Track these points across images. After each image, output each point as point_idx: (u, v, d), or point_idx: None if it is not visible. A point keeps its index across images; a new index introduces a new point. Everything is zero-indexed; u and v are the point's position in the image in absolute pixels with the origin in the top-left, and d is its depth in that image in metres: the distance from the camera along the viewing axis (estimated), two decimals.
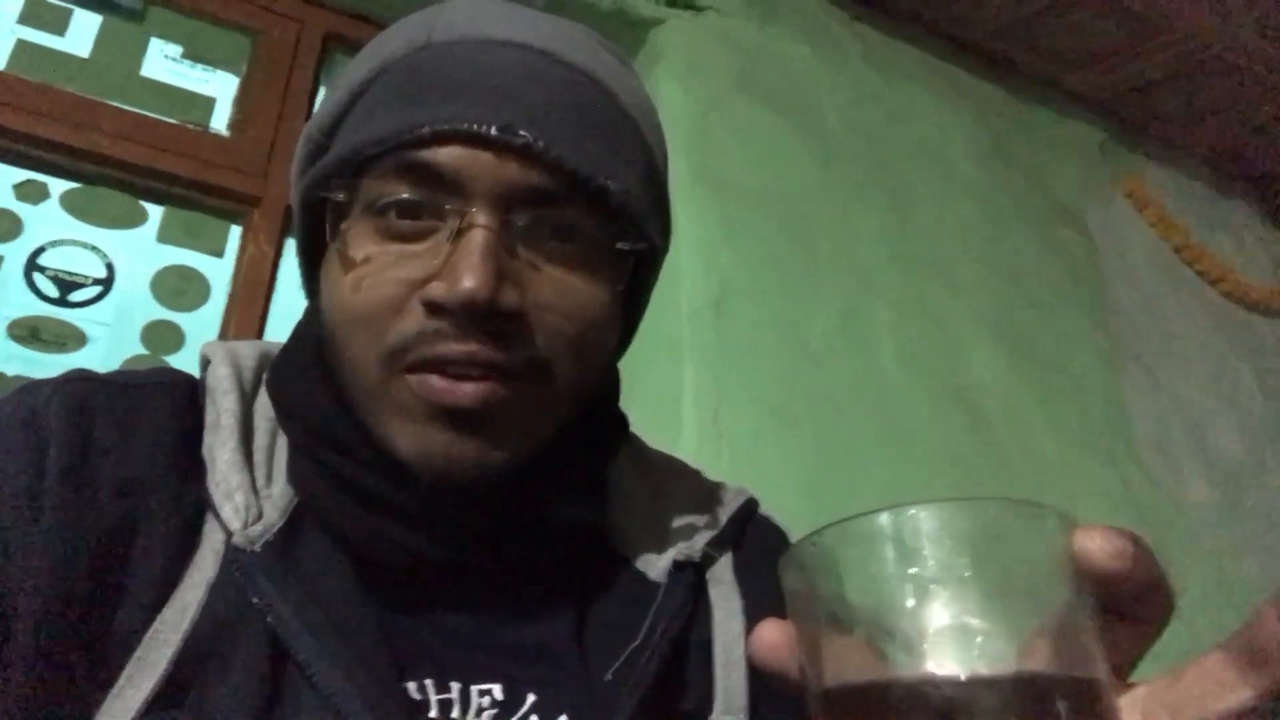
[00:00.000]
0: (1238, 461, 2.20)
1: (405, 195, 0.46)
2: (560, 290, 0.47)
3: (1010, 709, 0.23)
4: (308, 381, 0.51)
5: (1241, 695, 0.24)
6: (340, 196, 0.47)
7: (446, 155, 0.45)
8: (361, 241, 0.47)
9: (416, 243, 0.46)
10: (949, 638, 0.24)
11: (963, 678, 0.24)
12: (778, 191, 1.73)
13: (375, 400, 0.46)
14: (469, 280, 0.43)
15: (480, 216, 0.45)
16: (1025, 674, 0.24)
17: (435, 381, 0.45)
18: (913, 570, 0.25)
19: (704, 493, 0.62)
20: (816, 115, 1.88)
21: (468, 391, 0.45)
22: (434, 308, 0.44)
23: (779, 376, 1.55)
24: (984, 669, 0.24)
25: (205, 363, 0.53)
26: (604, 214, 0.48)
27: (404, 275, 0.45)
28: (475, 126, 0.44)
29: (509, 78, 0.47)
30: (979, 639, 0.24)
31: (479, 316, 0.44)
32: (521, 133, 0.45)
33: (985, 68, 2.24)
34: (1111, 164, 2.40)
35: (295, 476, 0.50)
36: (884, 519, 0.26)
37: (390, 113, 0.47)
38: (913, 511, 0.25)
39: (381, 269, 0.46)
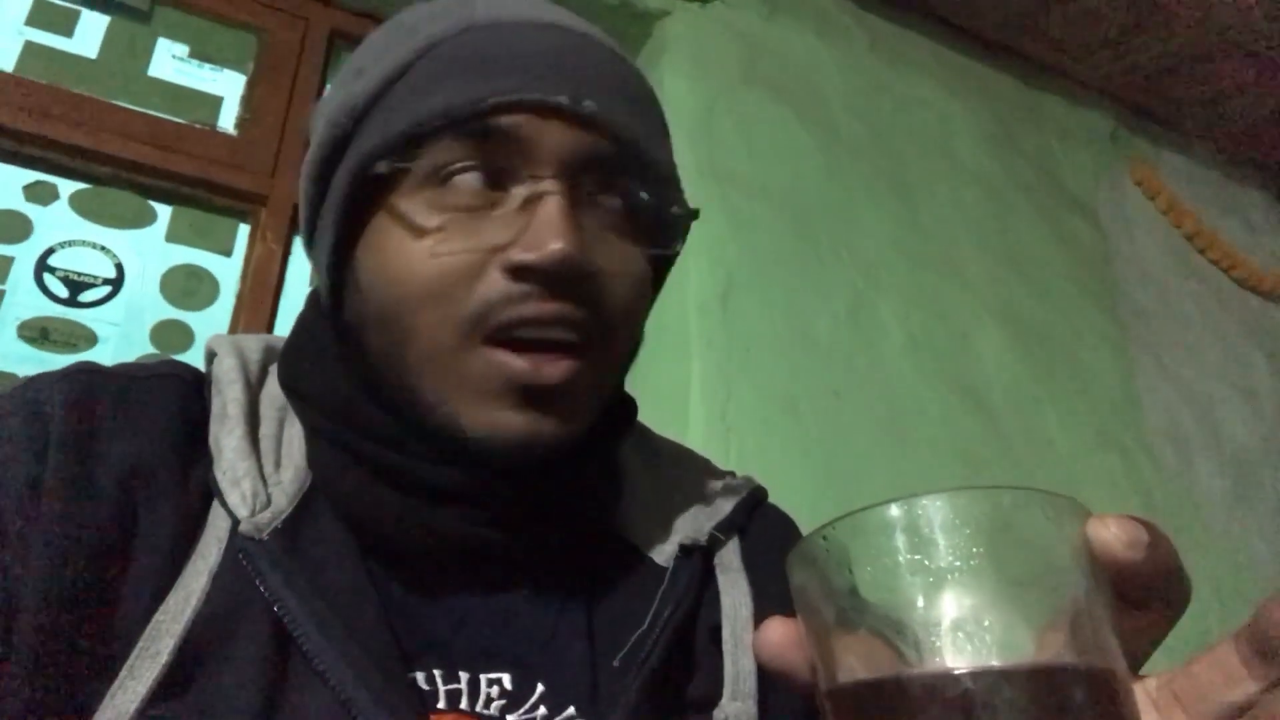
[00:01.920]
0: (1250, 450, 2.18)
1: (474, 165, 0.46)
2: (618, 257, 0.48)
3: (1028, 701, 0.23)
4: (326, 365, 0.51)
5: (1248, 687, 0.25)
6: (401, 166, 0.47)
7: (515, 124, 0.46)
8: (427, 212, 0.46)
9: (484, 211, 0.46)
10: (964, 630, 0.24)
11: (979, 670, 0.23)
12: (784, 184, 1.72)
13: (444, 375, 0.46)
14: (558, 241, 0.44)
15: (553, 183, 0.45)
16: (1042, 665, 0.24)
17: (515, 362, 0.45)
18: (926, 561, 0.25)
19: (710, 479, 0.62)
20: (823, 106, 1.87)
21: (550, 370, 0.46)
22: (521, 271, 0.45)
23: (786, 369, 1.54)
24: (1000, 661, 0.23)
25: (210, 355, 0.54)
26: (653, 184, 0.50)
27: (478, 243, 0.46)
28: (543, 96, 0.46)
29: (563, 54, 0.49)
30: (994, 630, 0.24)
31: (568, 278, 0.45)
32: (587, 102, 0.46)
33: (993, 56, 2.22)
34: (1122, 152, 2.39)
35: (315, 462, 0.50)
36: (896, 509, 0.25)
37: (450, 88, 0.46)
38: (925, 501, 0.25)
39: (453, 238, 0.46)
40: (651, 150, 0.49)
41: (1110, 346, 2.05)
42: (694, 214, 0.52)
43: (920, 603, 0.24)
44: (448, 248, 0.46)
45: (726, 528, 0.57)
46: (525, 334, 0.45)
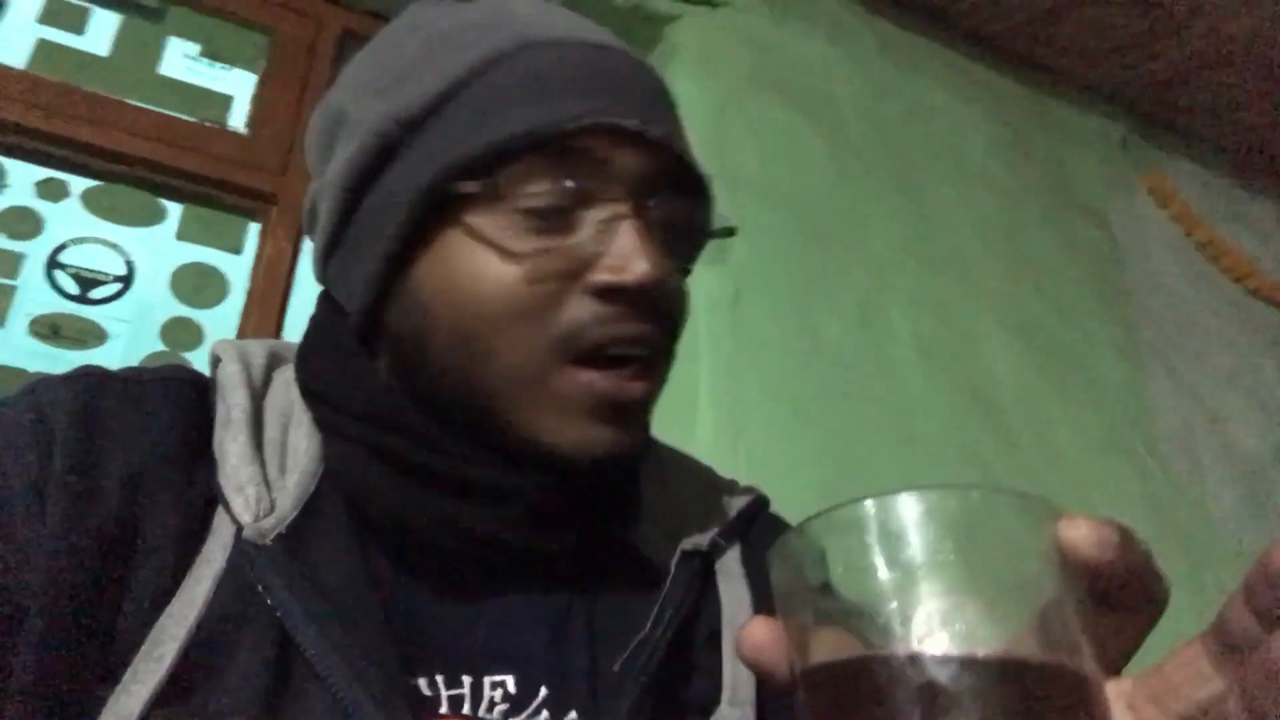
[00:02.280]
0: (1260, 459, 2.17)
1: (553, 187, 0.47)
2: (674, 275, 0.51)
3: (993, 691, 0.23)
4: (350, 367, 0.51)
5: (1216, 685, 0.25)
6: (487, 184, 0.47)
7: (594, 147, 0.47)
8: (506, 233, 0.47)
9: (564, 234, 0.47)
10: (934, 626, 0.24)
11: (946, 656, 0.23)
12: (794, 187, 1.72)
13: (529, 393, 0.47)
14: (643, 263, 0.46)
15: (628, 206, 0.47)
16: (1010, 657, 0.24)
17: (601, 382, 0.47)
18: (897, 558, 0.25)
19: (713, 486, 0.63)
20: (833, 111, 1.87)
21: (634, 388, 0.48)
22: (609, 292, 0.46)
23: (795, 373, 1.54)
24: (966, 656, 0.24)
25: (215, 360, 0.53)
26: (700, 202, 0.52)
27: (563, 266, 0.47)
28: (620, 120, 0.47)
29: (622, 76, 0.50)
30: (964, 627, 0.24)
31: (654, 298, 0.47)
32: (653, 127, 0.48)
33: (1004, 62, 2.22)
34: (1133, 159, 2.38)
35: (337, 467, 0.50)
36: (867, 507, 0.26)
37: (532, 105, 0.47)
38: (897, 498, 0.25)
39: (535, 259, 0.47)
40: (699, 170, 0.51)
41: (1120, 354, 2.04)
42: (732, 231, 0.55)
43: (891, 599, 0.25)
44: (531, 268, 0.46)
45: (728, 534, 0.58)
46: (614, 351, 0.47)
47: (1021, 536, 0.26)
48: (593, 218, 0.47)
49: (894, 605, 0.25)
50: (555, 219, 0.47)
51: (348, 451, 0.50)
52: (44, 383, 0.47)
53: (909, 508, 0.25)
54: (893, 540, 0.25)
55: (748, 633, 0.29)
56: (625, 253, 0.46)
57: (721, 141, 1.67)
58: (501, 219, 0.47)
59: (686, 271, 0.55)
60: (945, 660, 0.23)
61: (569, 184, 0.47)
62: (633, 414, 0.49)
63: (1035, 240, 2.05)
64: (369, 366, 0.52)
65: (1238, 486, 2.08)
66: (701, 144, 1.60)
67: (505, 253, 0.47)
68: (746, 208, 1.62)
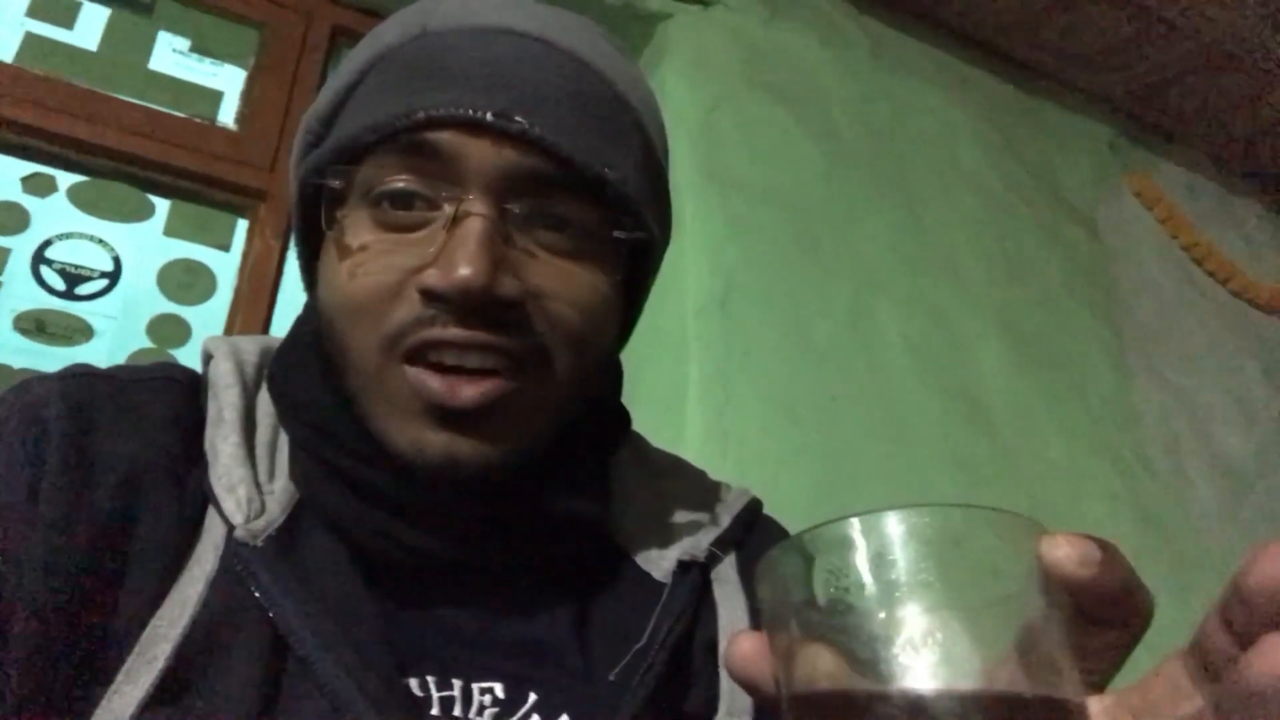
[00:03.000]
0: (1245, 460, 2.19)
1: (401, 183, 0.45)
2: (558, 278, 0.46)
3: (961, 715, 0.23)
4: (307, 377, 0.51)
5: (1195, 702, 0.25)
6: (336, 184, 0.47)
7: (442, 141, 0.45)
8: (358, 230, 0.47)
9: (413, 231, 0.46)
10: (914, 647, 0.24)
11: (925, 692, 0.24)
12: (784, 188, 1.72)
13: (372, 392, 0.46)
14: (465, 268, 0.42)
15: (477, 204, 0.44)
16: (989, 692, 0.24)
17: (432, 381, 0.44)
18: (881, 576, 0.25)
19: (707, 492, 0.62)
20: (824, 111, 1.87)
21: (467, 392, 0.44)
22: (430, 295, 0.44)
23: (784, 374, 1.54)
24: (949, 682, 0.24)
25: (207, 358, 0.53)
26: (601, 202, 0.47)
27: (400, 263, 0.45)
28: (470, 112, 0.44)
29: (504, 65, 0.47)
30: (945, 648, 0.24)
31: (476, 305, 0.43)
32: (518, 118, 0.44)
33: (994, 64, 2.23)
34: (1121, 162, 2.39)
35: (296, 473, 0.49)
36: (853, 524, 0.26)
37: (386, 101, 0.46)
38: (882, 516, 0.26)
39: (377, 256, 0.46)
40: (593, 167, 0.46)
41: (1107, 355, 2.05)
42: (650, 237, 0.50)
43: (875, 618, 0.25)
44: (369, 268, 0.46)
45: (724, 543, 0.57)
46: (441, 357, 0.45)
47: (1003, 555, 0.26)
48: (445, 214, 0.45)
49: (877, 624, 0.25)
50: (408, 216, 0.46)
51: (305, 461, 0.50)
52: (35, 381, 0.47)
53: (892, 526, 0.25)
54: (876, 559, 0.25)
55: (735, 646, 0.29)
56: (453, 254, 0.43)
57: (712, 140, 1.67)
58: (356, 216, 0.47)
59: (642, 282, 0.53)
60: (927, 696, 0.24)
61: (417, 178, 0.45)
62: (469, 423, 0.45)
63: (1023, 241, 2.05)
64: (318, 374, 0.51)
65: (1221, 489, 2.10)
66: (692, 142, 1.62)
67: (346, 249, 0.46)
68: (736, 207, 1.62)
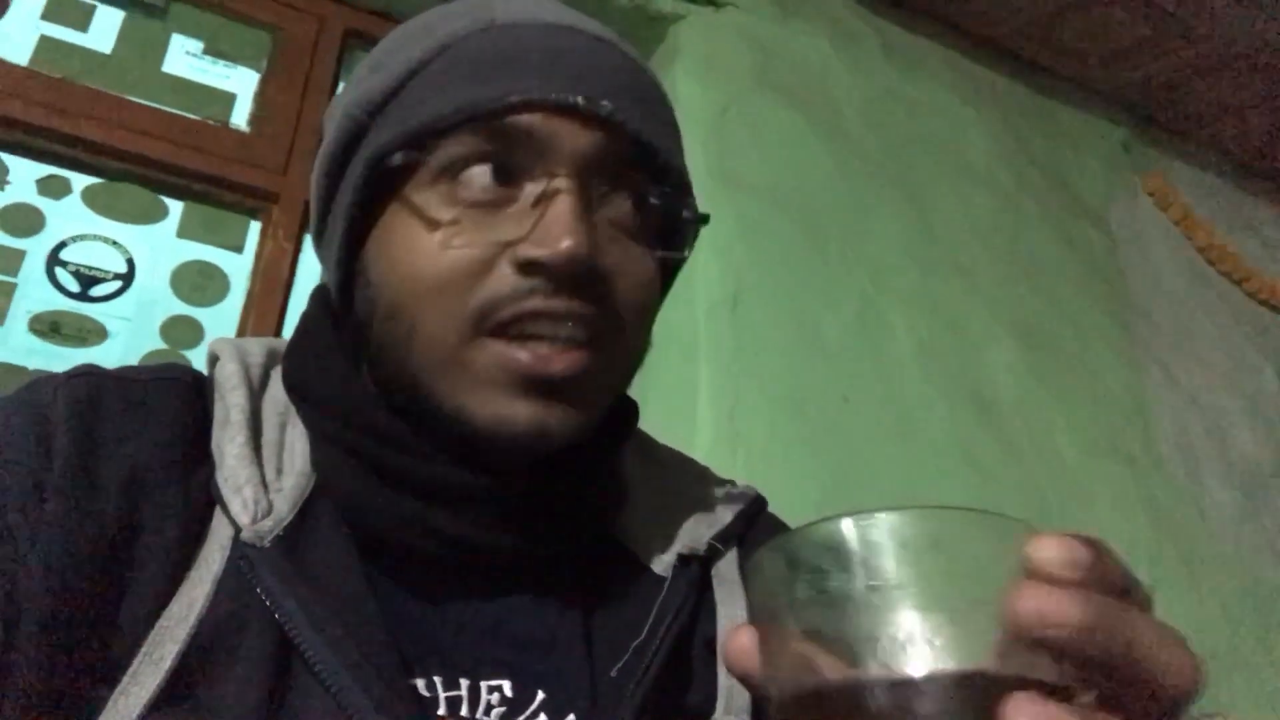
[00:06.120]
0: (1260, 463, 2.17)
1: (489, 162, 0.46)
2: (629, 257, 0.49)
3: (947, 713, 0.24)
4: (331, 365, 0.51)
5: None
6: (415, 158, 0.47)
7: (533, 123, 0.46)
8: (438, 205, 0.47)
9: (497, 208, 0.46)
10: (900, 646, 0.24)
11: (906, 679, 0.24)
12: (795, 189, 1.72)
13: (450, 368, 0.46)
14: (568, 240, 0.44)
15: (566, 181, 0.46)
16: (965, 673, 0.24)
17: (521, 354, 0.45)
18: (867, 578, 0.25)
19: (710, 489, 0.62)
20: (835, 112, 1.87)
21: (558, 363, 0.45)
22: (530, 266, 0.45)
23: (794, 375, 1.54)
24: (924, 678, 0.24)
25: (213, 359, 0.53)
26: (665, 188, 0.50)
27: (490, 237, 0.46)
28: (559, 96, 0.46)
29: (580, 55, 0.49)
30: (933, 647, 0.24)
31: (577, 275, 0.45)
32: (604, 103, 0.46)
33: (1007, 64, 2.22)
34: (1135, 162, 2.38)
35: (319, 465, 0.49)
36: (835, 527, 0.26)
37: (468, 84, 0.47)
38: (873, 517, 0.26)
39: (465, 231, 0.46)
40: (664, 154, 0.49)
41: (1120, 356, 2.04)
42: (704, 219, 0.53)
43: (856, 618, 0.25)
44: (458, 241, 0.46)
45: (725, 538, 0.57)
46: (533, 329, 0.45)
47: (992, 556, 0.26)
48: (532, 190, 0.46)
49: (861, 624, 0.25)
50: (491, 194, 0.47)
51: (328, 452, 0.50)
52: (42, 382, 0.47)
53: (876, 529, 0.26)
54: (860, 561, 0.26)
55: (732, 640, 0.30)
56: (551, 227, 0.44)
57: (723, 141, 1.67)
58: (435, 193, 0.47)
59: (677, 263, 0.55)
60: (913, 684, 0.24)
61: (500, 158, 0.46)
62: (558, 392, 0.46)
63: (1036, 242, 2.04)
64: (344, 363, 0.51)
65: (1235, 490, 2.08)
66: (703, 143, 1.62)
67: (432, 222, 0.46)
68: (747, 207, 1.62)
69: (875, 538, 0.26)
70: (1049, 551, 0.25)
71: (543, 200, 0.46)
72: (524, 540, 0.49)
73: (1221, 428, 2.15)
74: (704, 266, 1.53)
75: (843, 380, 1.59)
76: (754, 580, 0.29)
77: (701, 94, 1.69)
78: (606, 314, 0.47)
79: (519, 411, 0.45)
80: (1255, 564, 2.00)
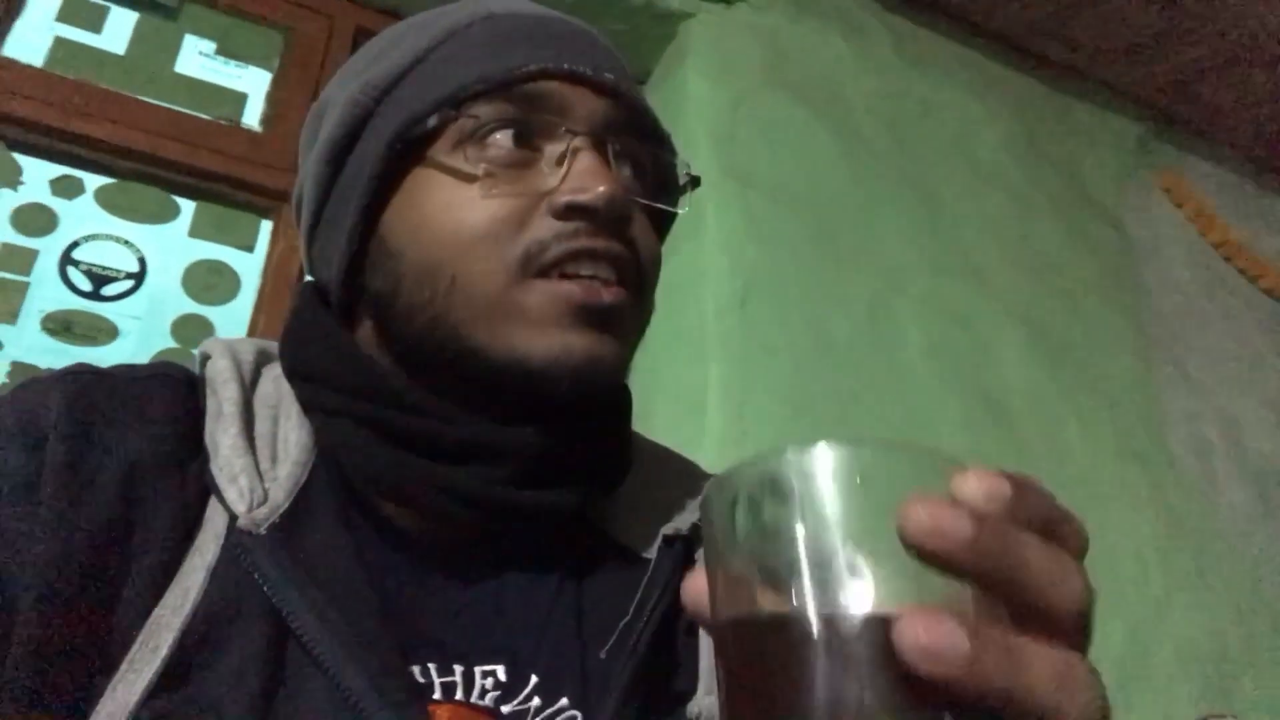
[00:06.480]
0: (1274, 462, 2.15)
1: (516, 126, 0.50)
2: (644, 214, 0.54)
3: (860, 641, 0.24)
4: (336, 344, 0.53)
5: None
6: (450, 116, 0.50)
7: (552, 89, 0.51)
8: (469, 163, 0.50)
9: (521, 167, 0.50)
10: (828, 578, 0.25)
11: (846, 614, 0.24)
12: (805, 187, 1.72)
13: (499, 313, 0.48)
14: (604, 184, 0.48)
15: (586, 140, 0.50)
16: (878, 612, 0.24)
17: (574, 289, 0.48)
18: (800, 509, 0.26)
19: (691, 474, 0.64)
20: (846, 109, 1.86)
21: (606, 295, 0.49)
22: (570, 211, 0.48)
23: (804, 374, 1.54)
24: (855, 607, 0.25)
25: (204, 358, 0.54)
26: (660, 149, 0.56)
27: (526, 188, 0.49)
28: (572, 66, 0.51)
29: (575, 38, 0.55)
30: (857, 581, 0.25)
31: (616, 216, 0.49)
32: (608, 75, 0.52)
33: (1019, 60, 2.21)
34: (1149, 159, 2.36)
35: (326, 443, 0.51)
36: (773, 460, 0.27)
37: (487, 57, 0.51)
38: (805, 451, 0.26)
39: (501, 184, 0.49)
40: (655, 122, 0.56)
41: (1133, 355, 2.03)
42: (697, 180, 0.58)
43: (791, 549, 0.26)
44: (495, 190, 0.49)
45: None
46: (573, 269, 0.48)
47: (921, 491, 0.26)
48: (553, 151, 0.50)
49: (797, 554, 0.26)
50: (517, 153, 0.50)
51: (335, 426, 0.51)
52: (34, 381, 0.48)
53: (810, 462, 0.26)
54: (801, 491, 0.26)
55: (690, 582, 0.30)
56: (585, 176, 0.49)
57: (733, 139, 1.66)
58: (462, 154, 0.50)
59: (664, 229, 0.59)
60: (839, 617, 0.24)
61: (522, 122, 0.50)
62: (608, 321, 0.49)
63: (1048, 240, 2.03)
64: (350, 339, 0.54)
65: (1249, 490, 2.07)
66: (713, 141, 1.62)
67: (468, 177, 0.49)
68: (757, 205, 1.62)
69: (809, 469, 0.26)
70: (970, 485, 0.26)
71: (567, 157, 0.50)
72: (540, 497, 0.50)
73: (1235, 427, 2.14)
74: (714, 264, 1.53)
75: (852, 379, 1.58)
76: (703, 515, 0.30)
77: (712, 92, 1.69)
78: (635, 256, 0.52)
79: (574, 343, 0.48)
80: (1268, 562, 1.99)
